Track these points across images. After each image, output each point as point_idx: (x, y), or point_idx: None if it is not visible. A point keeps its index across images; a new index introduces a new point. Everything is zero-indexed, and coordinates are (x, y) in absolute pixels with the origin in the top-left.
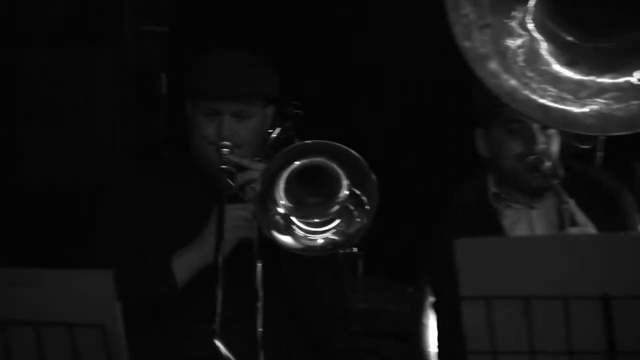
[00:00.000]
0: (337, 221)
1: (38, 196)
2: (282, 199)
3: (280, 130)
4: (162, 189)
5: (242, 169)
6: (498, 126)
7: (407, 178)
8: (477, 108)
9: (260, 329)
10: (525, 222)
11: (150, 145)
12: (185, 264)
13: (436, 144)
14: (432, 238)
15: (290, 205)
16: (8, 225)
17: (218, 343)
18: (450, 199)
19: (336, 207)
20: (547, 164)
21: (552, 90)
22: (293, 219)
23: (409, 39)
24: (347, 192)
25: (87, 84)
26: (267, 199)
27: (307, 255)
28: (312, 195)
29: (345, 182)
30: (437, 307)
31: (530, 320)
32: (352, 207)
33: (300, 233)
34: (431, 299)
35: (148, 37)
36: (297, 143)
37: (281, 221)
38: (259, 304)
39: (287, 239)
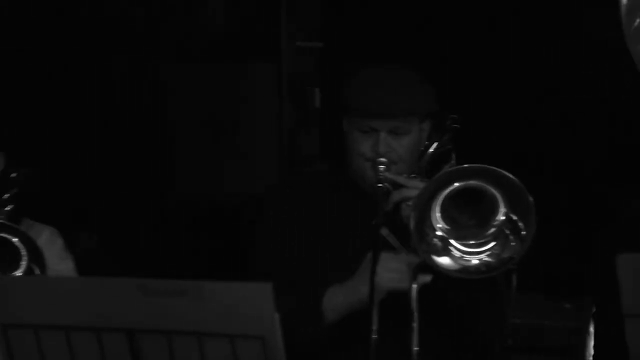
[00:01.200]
0: (492, 244)
1: (196, 210)
2: (439, 222)
3: (437, 145)
4: (316, 203)
5: (398, 186)
6: None
7: (563, 192)
8: None
9: (416, 348)
10: None
11: (306, 160)
12: (336, 309)
13: (596, 157)
14: (599, 252)
15: (447, 227)
16: (169, 239)
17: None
18: (621, 213)
19: (492, 230)
20: None
21: None
22: (451, 240)
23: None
24: (504, 217)
25: (244, 99)
26: (423, 225)
27: (462, 277)
28: (469, 217)
29: (502, 207)
30: (599, 321)
31: None
32: (508, 232)
33: (457, 254)
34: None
35: (303, 53)
36: (454, 167)
37: (439, 243)
38: (415, 324)
39: (444, 260)
